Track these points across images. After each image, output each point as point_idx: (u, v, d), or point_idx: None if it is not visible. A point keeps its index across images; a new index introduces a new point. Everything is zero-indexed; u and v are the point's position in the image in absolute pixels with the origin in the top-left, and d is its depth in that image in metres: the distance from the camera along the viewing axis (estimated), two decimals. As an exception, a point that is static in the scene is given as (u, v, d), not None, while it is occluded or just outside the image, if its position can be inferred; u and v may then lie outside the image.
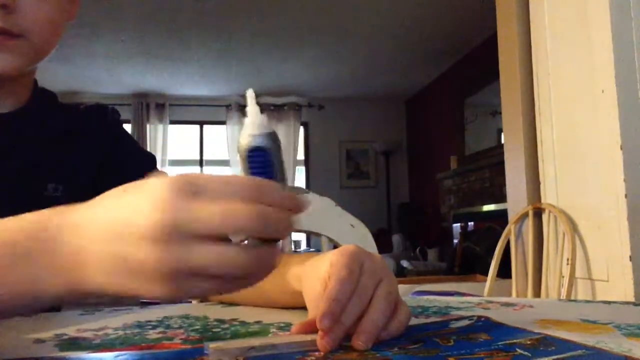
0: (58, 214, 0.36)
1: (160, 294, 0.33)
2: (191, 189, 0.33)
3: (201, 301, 0.81)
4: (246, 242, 0.35)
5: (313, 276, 0.49)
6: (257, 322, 0.53)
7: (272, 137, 0.39)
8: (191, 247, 0.32)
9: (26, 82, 0.71)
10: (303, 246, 6.12)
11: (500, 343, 0.40)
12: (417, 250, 5.20)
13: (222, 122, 6.10)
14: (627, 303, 0.64)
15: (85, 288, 0.35)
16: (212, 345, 0.37)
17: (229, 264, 0.33)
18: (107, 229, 0.33)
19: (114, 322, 0.53)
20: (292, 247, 1.04)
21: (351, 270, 0.43)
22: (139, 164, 0.78)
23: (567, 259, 1.94)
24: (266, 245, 0.35)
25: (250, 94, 0.40)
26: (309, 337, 0.40)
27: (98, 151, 0.75)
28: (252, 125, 0.40)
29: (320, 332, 0.39)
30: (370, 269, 0.45)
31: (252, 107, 0.40)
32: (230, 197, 0.33)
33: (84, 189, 0.72)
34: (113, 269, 0.33)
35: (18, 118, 0.68)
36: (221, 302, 0.68)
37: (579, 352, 0.37)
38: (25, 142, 0.68)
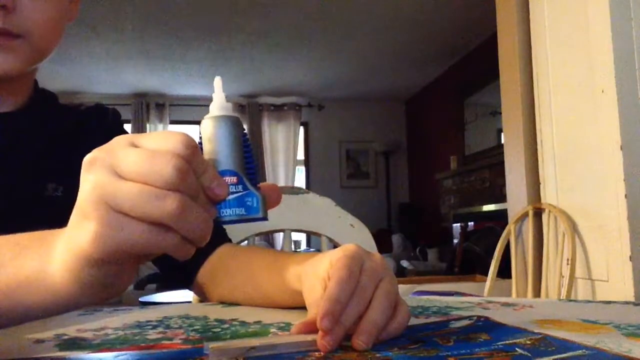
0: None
1: (94, 231, 0.32)
2: (112, 165, 0.33)
3: (201, 301, 0.81)
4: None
5: (313, 276, 0.49)
6: (257, 322, 0.53)
7: (235, 122, 0.39)
8: (119, 181, 0.32)
9: (27, 83, 0.71)
10: (303, 246, 6.13)
11: (500, 343, 0.40)
12: (417, 250, 5.20)
13: (222, 122, 6.10)
14: (627, 303, 0.64)
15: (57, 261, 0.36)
16: (212, 345, 0.37)
17: (152, 202, 0.32)
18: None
19: (114, 322, 0.53)
20: (292, 247, 1.04)
21: (351, 270, 0.43)
22: None
23: (567, 259, 1.94)
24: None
25: (217, 81, 0.40)
26: (309, 337, 0.40)
27: None
28: (217, 108, 0.39)
29: (320, 332, 0.39)
30: (371, 268, 0.45)
31: (218, 92, 0.40)
32: (149, 178, 0.32)
33: None
34: (70, 224, 0.35)
35: (18, 118, 0.68)
36: (221, 302, 0.68)
37: (579, 352, 0.37)
38: (25, 142, 0.68)
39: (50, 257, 0.36)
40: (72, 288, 0.35)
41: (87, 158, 0.34)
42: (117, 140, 0.35)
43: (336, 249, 0.49)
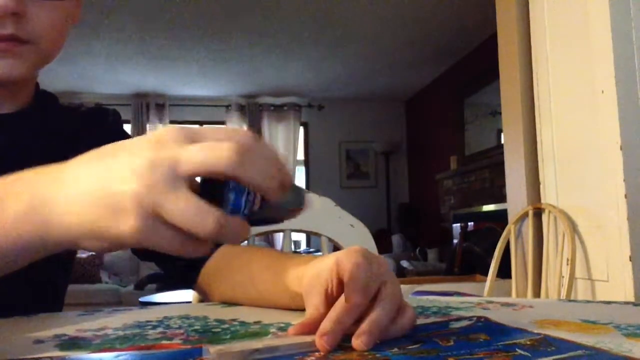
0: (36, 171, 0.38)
1: (128, 228, 0.34)
2: (184, 135, 0.34)
3: (201, 301, 0.81)
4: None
5: (314, 277, 0.49)
6: (257, 323, 0.53)
7: None
8: (172, 188, 0.33)
9: (29, 85, 0.71)
10: (303, 246, 6.13)
11: (500, 343, 0.40)
12: (417, 250, 5.20)
13: (222, 123, 6.10)
14: (627, 303, 0.64)
15: (54, 226, 0.36)
16: (213, 349, 0.37)
17: (196, 220, 0.33)
18: (92, 158, 0.36)
19: (114, 322, 0.53)
20: (292, 247, 1.04)
21: (365, 270, 0.44)
22: None
23: (567, 259, 1.94)
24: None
25: None
26: (309, 339, 0.40)
27: None
28: None
29: (318, 332, 0.39)
30: (376, 270, 0.45)
31: None
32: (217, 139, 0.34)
33: None
34: (90, 197, 0.35)
35: (19, 119, 0.68)
36: (222, 302, 0.68)
37: (579, 352, 0.37)
38: (26, 144, 0.68)
39: (24, 220, 0.36)
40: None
41: (146, 161, 0.33)
42: (177, 134, 0.35)
43: (341, 252, 0.49)
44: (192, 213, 0.33)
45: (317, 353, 0.38)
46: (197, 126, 0.36)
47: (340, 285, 0.48)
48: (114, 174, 0.34)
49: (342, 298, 0.44)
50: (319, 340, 0.39)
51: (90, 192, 0.35)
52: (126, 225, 0.34)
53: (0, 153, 0.65)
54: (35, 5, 0.59)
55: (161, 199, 0.33)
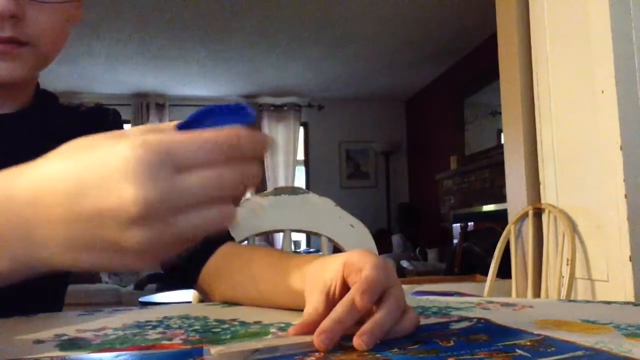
0: (8, 180, 0.36)
1: (138, 266, 0.33)
2: (169, 161, 0.31)
3: (201, 301, 0.81)
4: None
5: (317, 277, 0.49)
6: (257, 323, 0.53)
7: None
8: (176, 221, 0.32)
9: (29, 85, 0.71)
10: (303, 246, 6.13)
11: (500, 344, 0.40)
12: (417, 250, 5.20)
13: (222, 122, 6.10)
14: (627, 303, 0.64)
15: (42, 263, 0.35)
16: (214, 349, 0.37)
17: (205, 229, 0.33)
18: (70, 211, 0.32)
19: (114, 322, 0.53)
20: (292, 247, 1.04)
21: (379, 275, 0.44)
22: None
23: (567, 259, 1.94)
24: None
25: None
26: (309, 339, 0.40)
27: None
28: None
29: (317, 330, 0.39)
30: (383, 275, 0.45)
31: None
32: (208, 162, 0.32)
33: None
34: (84, 246, 0.33)
35: (20, 119, 0.68)
36: (222, 302, 0.68)
37: (579, 352, 0.37)
38: (26, 144, 0.68)
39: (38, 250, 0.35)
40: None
41: (143, 209, 0.30)
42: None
43: (349, 253, 0.49)
44: (207, 229, 0.33)
45: (317, 353, 0.38)
46: (167, 130, 0.34)
47: (343, 287, 0.48)
48: (104, 221, 0.31)
49: (344, 298, 0.44)
50: (317, 338, 0.39)
51: (75, 238, 0.33)
52: (136, 263, 0.33)
53: (3, 153, 0.65)
54: (34, 8, 0.59)
55: (168, 235, 0.32)
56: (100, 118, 0.78)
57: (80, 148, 0.35)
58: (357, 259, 0.47)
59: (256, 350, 0.37)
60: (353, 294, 0.42)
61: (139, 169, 0.30)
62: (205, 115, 0.36)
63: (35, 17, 0.59)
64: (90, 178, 0.32)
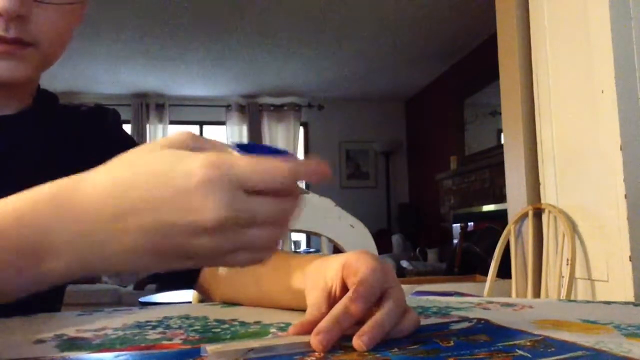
0: (75, 190, 0.37)
1: (195, 266, 0.37)
2: (238, 183, 0.34)
3: (201, 301, 0.81)
4: None
5: (318, 277, 0.49)
6: (257, 323, 0.53)
7: None
8: (243, 235, 0.35)
9: (31, 86, 0.71)
10: (303, 246, 6.13)
11: (500, 344, 0.40)
12: (417, 250, 5.20)
13: (222, 123, 6.10)
14: (627, 303, 0.64)
15: (100, 267, 0.37)
16: (210, 347, 0.37)
17: (275, 246, 0.37)
18: (154, 220, 0.35)
19: (114, 322, 0.53)
20: (292, 247, 1.04)
21: (375, 276, 0.44)
22: None
23: (567, 259, 1.94)
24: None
25: None
26: (307, 338, 0.40)
27: (99, 153, 0.75)
28: None
29: (315, 330, 0.39)
30: (382, 276, 0.45)
31: None
32: (274, 188, 0.35)
33: None
34: (155, 253, 0.35)
35: (21, 120, 0.68)
36: (223, 302, 0.68)
37: (579, 353, 0.37)
38: (27, 145, 0.68)
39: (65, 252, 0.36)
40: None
41: (217, 223, 0.34)
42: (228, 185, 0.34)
43: (349, 254, 0.49)
44: (270, 245, 0.36)
45: (316, 353, 0.38)
46: (224, 154, 0.36)
47: (344, 287, 0.48)
48: (178, 230, 0.34)
49: (343, 299, 0.44)
50: (314, 338, 0.38)
51: (152, 246, 0.35)
52: (192, 265, 0.37)
53: (4, 154, 0.65)
54: (39, 8, 0.59)
55: (235, 246, 0.35)
56: (100, 118, 0.78)
57: (145, 160, 0.37)
58: (355, 261, 0.46)
59: (252, 349, 0.37)
60: (348, 300, 0.42)
61: (214, 189, 0.33)
62: (253, 148, 0.39)
63: (40, 17, 0.59)
64: (165, 194, 0.34)
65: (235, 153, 0.37)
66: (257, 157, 0.36)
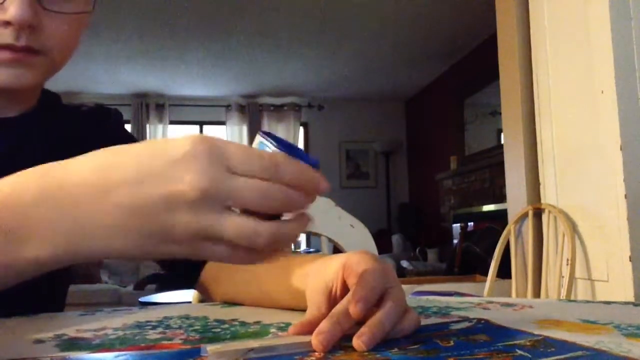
0: (59, 170, 0.37)
1: (178, 254, 0.36)
2: (223, 160, 0.35)
3: (201, 301, 0.81)
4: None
5: (318, 276, 0.49)
6: (257, 323, 0.53)
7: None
8: (221, 216, 0.34)
9: (36, 89, 0.71)
10: (303, 246, 6.13)
11: (500, 344, 0.40)
12: (417, 250, 5.20)
13: (222, 123, 6.10)
14: (627, 303, 0.64)
15: (86, 250, 0.36)
16: (210, 347, 0.37)
17: (250, 237, 0.35)
18: (134, 195, 0.35)
19: (114, 322, 0.53)
20: (292, 247, 1.04)
21: (374, 277, 0.44)
22: None
23: (567, 259, 1.94)
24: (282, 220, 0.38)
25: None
26: (307, 338, 0.40)
27: None
28: None
29: (316, 331, 0.39)
30: (382, 276, 0.45)
31: None
32: (259, 174, 0.35)
33: None
34: (138, 234, 0.35)
35: (24, 121, 0.68)
36: (223, 302, 0.68)
37: (579, 353, 0.37)
38: (31, 146, 0.68)
39: (51, 239, 0.36)
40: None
41: (197, 193, 0.34)
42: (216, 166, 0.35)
43: (348, 254, 0.49)
44: (245, 234, 0.35)
45: (316, 353, 0.38)
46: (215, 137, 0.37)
47: (344, 288, 0.48)
48: (157, 203, 0.34)
49: (344, 300, 0.44)
50: (315, 339, 0.39)
51: (133, 224, 0.35)
52: (177, 251, 0.36)
53: (6, 156, 0.65)
54: (49, 17, 0.59)
55: (213, 227, 0.34)
56: (102, 118, 0.78)
57: (126, 146, 0.38)
58: (355, 262, 0.47)
59: (252, 349, 0.37)
60: (349, 300, 0.42)
61: (194, 160, 0.34)
62: (281, 143, 0.40)
63: (49, 26, 0.59)
64: (151, 167, 0.35)
65: (272, 146, 0.39)
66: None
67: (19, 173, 0.38)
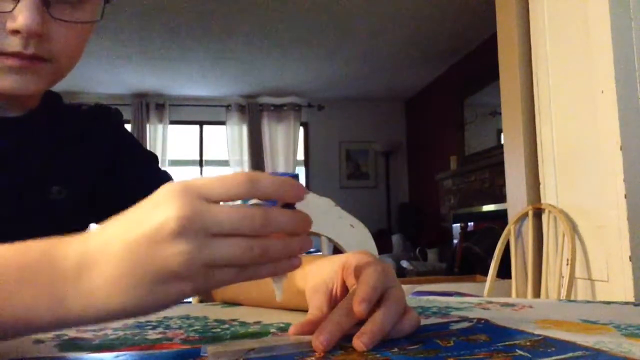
0: (64, 242, 0.37)
1: (186, 291, 0.35)
2: (200, 192, 0.35)
3: (201, 301, 0.81)
4: None
5: (318, 277, 0.49)
6: (257, 323, 0.53)
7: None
8: (212, 242, 0.34)
9: (40, 92, 0.71)
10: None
11: (500, 344, 0.40)
12: (417, 250, 5.20)
13: (222, 123, 6.10)
14: (627, 303, 0.64)
15: (87, 311, 0.35)
16: (211, 348, 0.37)
17: (248, 255, 0.35)
18: (124, 241, 0.35)
19: (114, 322, 0.53)
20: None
21: (374, 279, 0.44)
22: (142, 164, 0.79)
23: (567, 259, 1.94)
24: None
25: None
26: (307, 339, 0.40)
27: (102, 153, 0.75)
28: None
29: (316, 331, 0.39)
30: (382, 277, 0.45)
31: None
32: (235, 197, 0.36)
33: (88, 190, 0.72)
34: (133, 278, 0.34)
35: (27, 121, 0.68)
36: (223, 302, 0.68)
37: (579, 353, 0.37)
38: (32, 146, 0.68)
39: (52, 297, 0.35)
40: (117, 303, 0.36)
41: (181, 222, 0.34)
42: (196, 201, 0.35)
43: (348, 255, 0.49)
44: (245, 251, 0.35)
45: (316, 353, 0.38)
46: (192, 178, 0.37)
47: (344, 288, 0.48)
48: (146, 242, 0.34)
49: (344, 300, 0.44)
50: (316, 340, 0.39)
51: (126, 271, 0.34)
52: (181, 287, 0.35)
53: (10, 155, 0.66)
54: (56, 25, 0.59)
55: (207, 252, 0.34)
56: (102, 118, 0.78)
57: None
58: (355, 262, 0.47)
59: (252, 350, 0.37)
60: (351, 300, 0.42)
61: (173, 196, 0.35)
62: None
63: (58, 34, 0.59)
64: (136, 215, 0.36)
65: None
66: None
67: (16, 249, 0.37)
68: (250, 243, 0.35)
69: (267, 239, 0.36)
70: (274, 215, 0.36)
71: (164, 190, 0.36)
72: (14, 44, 0.56)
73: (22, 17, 0.55)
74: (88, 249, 0.35)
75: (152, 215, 0.35)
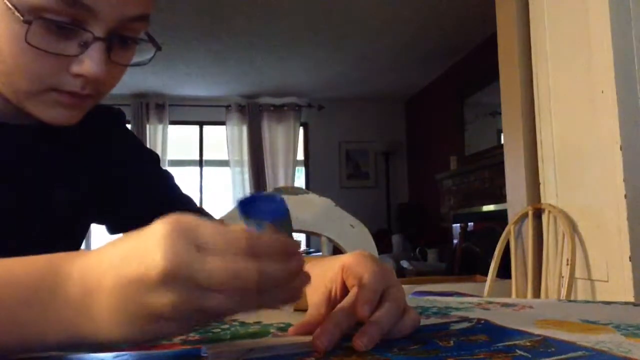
0: (68, 261, 0.38)
1: (169, 332, 0.36)
2: (196, 239, 0.35)
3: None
4: None
5: (318, 277, 0.49)
6: (257, 323, 0.53)
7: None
8: (201, 293, 0.34)
9: None
10: (303, 246, 6.13)
11: (500, 344, 0.40)
12: (417, 250, 5.19)
13: (222, 123, 6.10)
14: (627, 303, 0.64)
15: (89, 336, 0.36)
16: (211, 348, 0.37)
17: (239, 308, 0.35)
18: (117, 276, 0.35)
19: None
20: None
21: (375, 280, 0.44)
22: (144, 164, 0.79)
23: (567, 260, 1.94)
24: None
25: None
26: (307, 339, 0.40)
27: (104, 154, 0.75)
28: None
29: (316, 332, 0.39)
30: (382, 277, 0.45)
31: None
32: (230, 252, 0.35)
33: (90, 191, 0.72)
34: (125, 314, 0.35)
35: (38, 126, 0.68)
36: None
37: (579, 353, 0.37)
38: (43, 148, 0.68)
39: (57, 325, 0.36)
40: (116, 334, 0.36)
41: (169, 274, 0.34)
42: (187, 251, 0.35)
43: (348, 256, 0.49)
44: (235, 302, 0.35)
45: (316, 353, 0.38)
46: (190, 219, 0.36)
47: (344, 288, 0.48)
48: (139, 288, 0.34)
49: (344, 301, 0.44)
50: (315, 340, 0.39)
51: (117, 305, 0.35)
52: (169, 327, 0.35)
53: (21, 160, 0.65)
54: (113, 67, 0.59)
55: (200, 302, 0.34)
56: (105, 119, 0.78)
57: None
58: (354, 263, 0.47)
59: (252, 349, 0.37)
60: (351, 301, 0.42)
61: (163, 240, 0.34)
62: (250, 202, 0.39)
63: (111, 76, 0.60)
64: (132, 250, 0.36)
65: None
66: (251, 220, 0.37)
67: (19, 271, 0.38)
68: (243, 299, 0.35)
69: (259, 294, 0.35)
70: (270, 271, 0.35)
71: (158, 228, 0.35)
72: (73, 83, 0.56)
73: (91, 63, 0.54)
74: (88, 274, 0.36)
75: (141, 256, 0.34)
